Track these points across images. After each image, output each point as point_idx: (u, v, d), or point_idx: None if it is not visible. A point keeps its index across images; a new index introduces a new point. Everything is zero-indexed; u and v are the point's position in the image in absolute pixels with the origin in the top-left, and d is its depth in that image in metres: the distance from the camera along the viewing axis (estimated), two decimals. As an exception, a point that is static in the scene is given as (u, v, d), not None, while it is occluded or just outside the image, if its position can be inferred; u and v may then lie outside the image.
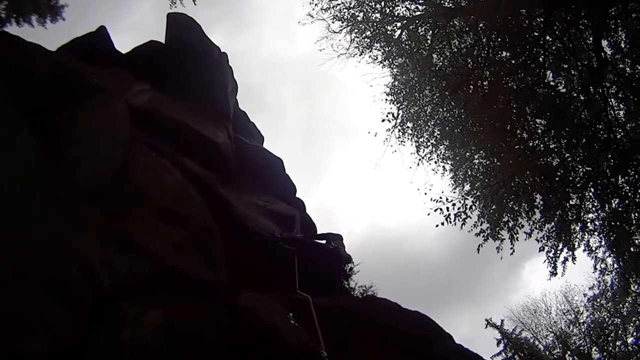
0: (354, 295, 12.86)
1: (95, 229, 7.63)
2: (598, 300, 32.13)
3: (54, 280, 6.13)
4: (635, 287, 23.61)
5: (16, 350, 5.30)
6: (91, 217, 7.71)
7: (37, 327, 5.62)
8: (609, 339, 32.67)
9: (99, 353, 6.22)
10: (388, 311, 10.83)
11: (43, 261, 6.20)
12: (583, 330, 34.11)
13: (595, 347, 33.18)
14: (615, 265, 21.09)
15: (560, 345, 34.26)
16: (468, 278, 66.16)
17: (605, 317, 33.00)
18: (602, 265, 20.85)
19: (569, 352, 33.71)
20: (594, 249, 19.45)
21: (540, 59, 17.35)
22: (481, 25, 17.88)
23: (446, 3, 18.88)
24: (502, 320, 35.06)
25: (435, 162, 20.45)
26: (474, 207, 18.06)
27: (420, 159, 20.50)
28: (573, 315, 34.89)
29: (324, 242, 13.63)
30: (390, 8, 19.44)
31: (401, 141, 20.48)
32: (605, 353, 32.46)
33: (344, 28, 20.46)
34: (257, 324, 8.59)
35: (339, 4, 20.18)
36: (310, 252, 12.69)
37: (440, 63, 19.55)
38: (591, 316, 33.75)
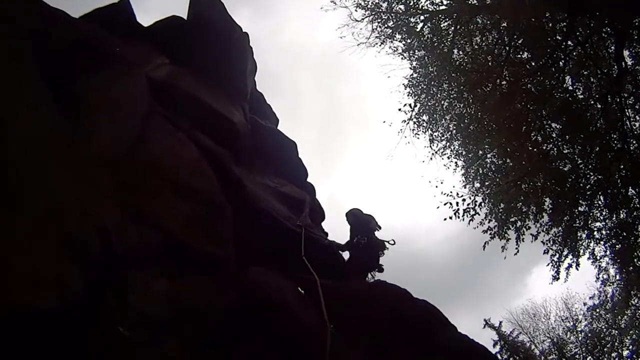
0: (364, 280, 12.86)
1: (110, 196, 7.65)
2: (597, 310, 32.22)
3: (74, 241, 6.14)
4: (636, 300, 23.71)
5: (31, 305, 5.34)
6: (106, 185, 7.72)
7: (52, 285, 5.63)
8: (605, 349, 32.79)
9: (107, 316, 6.26)
10: (397, 297, 10.84)
11: (64, 222, 6.22)
12: (580, 338, 34.27)
13: (590, 357, 33.26)
14: (618, 277, 21.32)
15: (556, 351, 34.43)
16: (472, 281, 66.63)
17: (603, 327, 33.12)
18: (605, 276, 21.07)
19: (564, 359, 33.79)
20: (598, 257, 19.57)
21: (561, 63, 17.39)
22: (504, 24, 17.86)
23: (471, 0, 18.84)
24: (501, 322, 35.35)
25: (448, 158, 20.58)
26: (483, 204, 18.14)
27: (433, 153, 20.65)
28: (571, 323, 35.10)
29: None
30: (415, 0, 19.42)
31: (415, 133, 20.55)
32: (600, 364, 32.56)
33: (367, 17, 20.47)
34: (268, 299, 8.61)
35: (363, -9, 20.17)
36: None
37: (461, 59, 19.54)
38: (589, 325, 33.90)
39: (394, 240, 13.31)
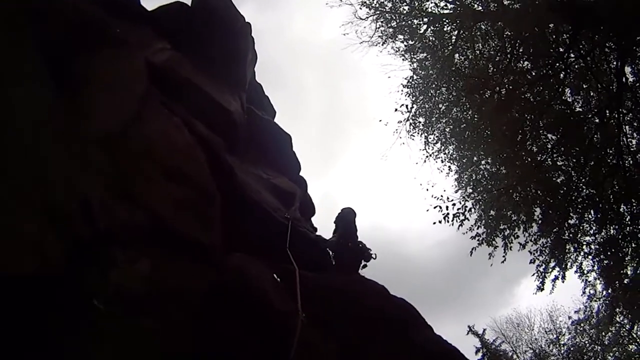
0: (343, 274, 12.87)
1: (100, 174, 7.68)
2: (582, 324, 32.21)
3: (55, 210, 6.17)
4: (621, 317, 23.72)
5: (7, 267, 5.38)
6: (97, 163, 7.76)
7: (30, 249, 5.67)
8: (587, 365, 32.77)
9: (85, 288, 6.31)
10: (374, 293, 10.94)
11: (47, 191, 6.27)
12: (562, 352, 34.34)
13: (572, 371, 33.30)
14: (604, 293, 21.24)
15: (538, 363, 34.43)
16: (461, 287, 66.93)
17: (587, 342, 33.19)
18: (591, 291, 21.00)
19: (545, 372, 33.86)
20: (585, 272, 19.53)
21: (561, 75, 17.45)
22: (507, 33, 17.90)
23: (476, 5, 18.84)
24: (484, 330, 35.36)
25: (442, 162, 20.59)
26: (473, 209, 18.19)
27: (427, 156, 20.62)
28: (555, 336, 35.19)
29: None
30: (419, 2, 19.44)
31: (411, 135, 20.56)
32: (581, 379, 32.60)
33: (371, 16, 20.48)
34: (246, 284, 8.65)
35: (368, -11, 20.17)
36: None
37: (461, 64, 19.58)
38: (572, 339, 33.95)
39: (375, 255, 13.46)
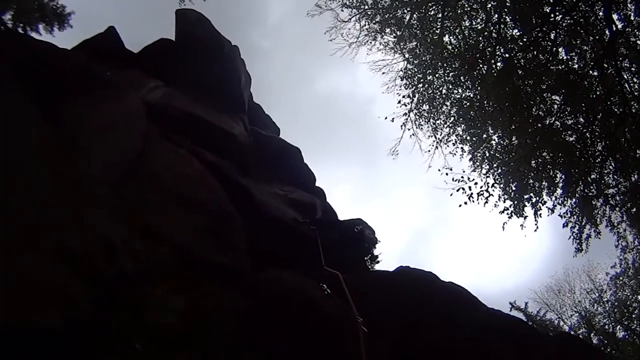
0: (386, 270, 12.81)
1: (115, 212, 7.63)
2: (621, 278, 31.91)
3: (72, 252, 6.02)
4: (656, 264, 23.62)
5: (30, 322, 5.15)
6: (110, 202, 7.72)
7: (53, 299, 5.46)
8: (633, 316, 32.49)
9: (118, 332, 6.16)
10: (422, 282, 10.83)
11: (60, 232, 6.09)
12: (607, 308, 33.92)
13: (619, 326, 33.02)
14: (636, 242, 21.06)
15: (585, 325, 34.11)
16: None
17: (629, 294, 32.84)
18: (624, 243, 20.77)
19: (594, 332, 33.55)
20: (615, 224, 19.30)
21: (552, 35, 17.29)
22: (491, 3, 17.85)
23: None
24: (526, 303, 34.92)
25: (454, 144, 20.27)
26: (495, 185, 18.03)
27: (438, 142, 20.38)
28: (597, 294, 34.71)
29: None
30: (399, -9, 19.36)
31: (419, 124, 20.40)
32: (629, 331, 32.31)
33: (354, 16, 20.37)
34: (289, 294, 8.55)
35: (347, -10, 20.09)
36: (334, 235, 12.84)
37: (452, 44, 19.49)
38: (614, 295, 33.56)
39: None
